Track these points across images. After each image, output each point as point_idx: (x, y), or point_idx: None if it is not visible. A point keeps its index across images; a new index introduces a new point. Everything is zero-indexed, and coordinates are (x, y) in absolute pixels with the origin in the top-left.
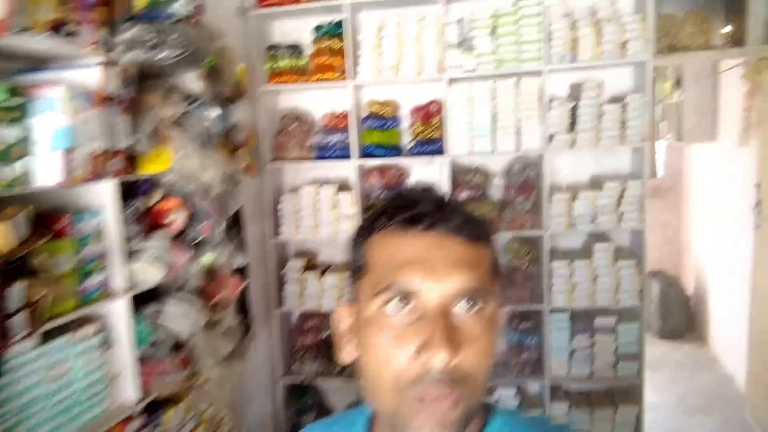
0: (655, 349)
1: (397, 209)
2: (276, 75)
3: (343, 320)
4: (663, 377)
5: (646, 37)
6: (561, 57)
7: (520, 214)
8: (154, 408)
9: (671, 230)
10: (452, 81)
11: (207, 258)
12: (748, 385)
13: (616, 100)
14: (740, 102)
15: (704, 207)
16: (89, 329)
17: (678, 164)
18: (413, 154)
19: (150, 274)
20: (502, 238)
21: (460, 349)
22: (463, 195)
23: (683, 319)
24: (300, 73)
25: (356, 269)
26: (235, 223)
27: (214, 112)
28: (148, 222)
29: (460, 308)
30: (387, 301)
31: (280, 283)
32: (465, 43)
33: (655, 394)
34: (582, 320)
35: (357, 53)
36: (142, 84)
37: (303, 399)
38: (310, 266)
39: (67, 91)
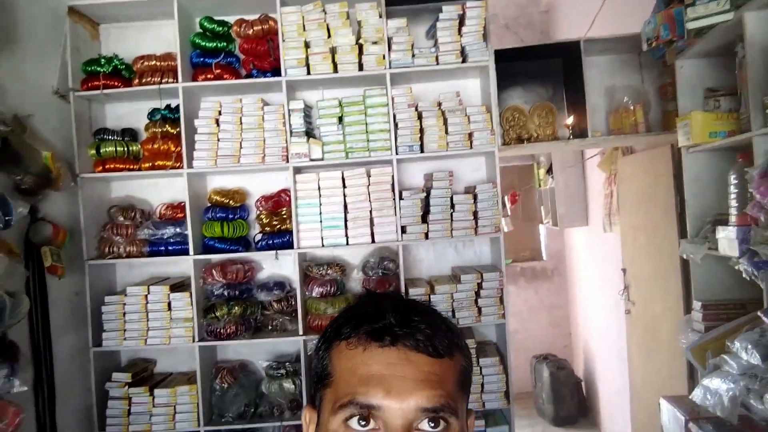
0: None
1: (361, 319)
2: (103, 162)
3: (309, 424)
4: None
5: (492, 128)
6: (409, 147)
7: None
8: None
9: (560, 312)
10: (299, 170)
11: None
12: None
13: (470, 190)
14: (602, 189)
15: (585, 290)
16: None
17: (560, 247)
18: (261, 248)
19: None
20: None
21: None
22: (317, 291)
23: (575, 403)
24: (132, 161)
25: (320, 377)
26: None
27: None
28: None
29: (424, 428)
30: (349, 417)
31: (103, 402)
32: (311, 132)
33: None
34: None
35: (193, 139)
36: None
37: None
38: (140, 380)
39: None
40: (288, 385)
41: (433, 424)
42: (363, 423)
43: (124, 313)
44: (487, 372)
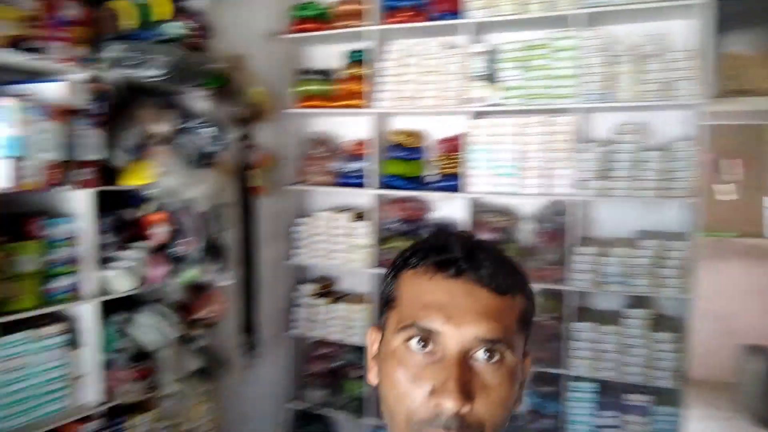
0: None
1: (429, 251)
2: (305, 99)
3: (372, 343)
4: None
5: (701, 77)
6: (597, 95)
7: (546, 265)
8: (118, 413)
9: None
10: (477, 114)
11: (188, 274)
12: None
13: (665, 147)
14: None
15: None
16: (52, 328)
17: None
18: (435, 189)
19: (122, 283)
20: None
21: (474, 397)
22: (485, 237)
23: None
24: (327, 99)
25: (386, 301)
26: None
27: (212, 131)
28: (130, 233)
29: (480, 356)
30: (409, 338)
31: (291, 306)
32: (492, 76)
33: None
34: (610, 394)
35: (379, 81)
36: (133, 100)
37: (309, 427)
38: (325, 293)
39: (19, 104)
40: None
41: (488, 355)
42: (422, 345)
43: (313, 234)
44: (659, 348)
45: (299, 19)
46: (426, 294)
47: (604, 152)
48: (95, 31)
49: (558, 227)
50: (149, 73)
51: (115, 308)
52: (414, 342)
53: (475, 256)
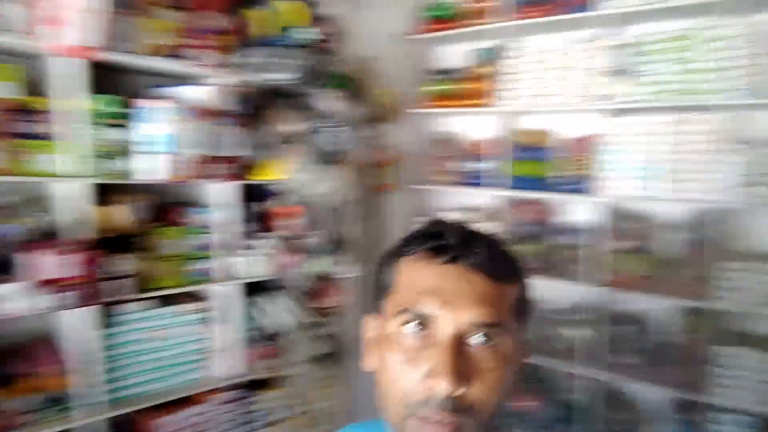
0: None
1: (425, 238)
2: (431, 99)
3: (370, 330)
4: None
5: None
6: (752, 90)
7: (688, 279)
8: (247, 387)
9: None
10: (611, 112)
11: (316, 264)
12: None
13: None
14: None
15: None
16: (192, 306)
17: None
18: (561, 191)
19: (257, 268)
20: (662, 303)
21: (468, 380)
22: (617, 244)
23: None
24: (454, 98)
25: (383, 287)
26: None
27: (342, 131)
28: (265, 223)
29: (474, 341)
30: (405, 323)
31: None
32: (628, 71)
33: None
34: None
35: (506, 79)
36: (269, 101)
37: None
38: None
39: (171, 105)
40: (569, 332)
41: (482, 340)
42: (418, 329)
43: None
44: None
45: (429, 19)
46: (422, 280)
47: (760, 154)
48: (238, 38)
49: (704, 237)
50: (284, 77)
51: (250, 292)
52: (410, 326)
53: (470, 242)
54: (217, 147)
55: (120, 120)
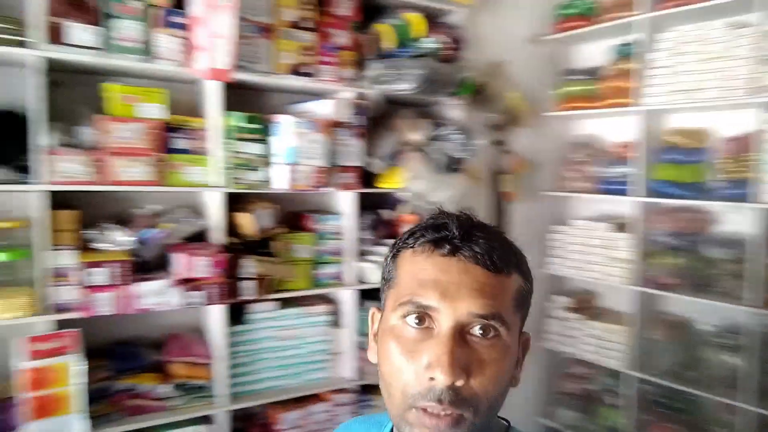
0: None
1: (427, 230)
2: (567, 101)
3: (374, 323)
4: None
5: None
6: None
7: None
8: (368, 390)
9: None
10: None
11: None
12: None
13: None
14: None
15: None
16: (320, 308)
17: None
18: (718, 198)
19: (376, 275)
20: None
21: (468, 372)
22: None
23: None
24: (592, 99)
25: (386, 280)
26: None
27: (465, 138)
28: (385, 231)
29: (475, 332)
30: (406, 315)
31: (544, 317)
32: None
33: None
34: None
35: (651, 74)
36: (392, 111)
37: None
38: (580, 308)
39: (299, 119)
40: (729, 358)
41: (483, 331)
42: (418, 321)
43: (569, 243)
44: None
45: (564, 18)
46: (422, 272)
47: None
48: (360, 53)
49: None
50: (403, 87)
51: (370, 296)
52: (411, 318)
53: (470, 235)
54: (338, 157)
55: (256, 135)
